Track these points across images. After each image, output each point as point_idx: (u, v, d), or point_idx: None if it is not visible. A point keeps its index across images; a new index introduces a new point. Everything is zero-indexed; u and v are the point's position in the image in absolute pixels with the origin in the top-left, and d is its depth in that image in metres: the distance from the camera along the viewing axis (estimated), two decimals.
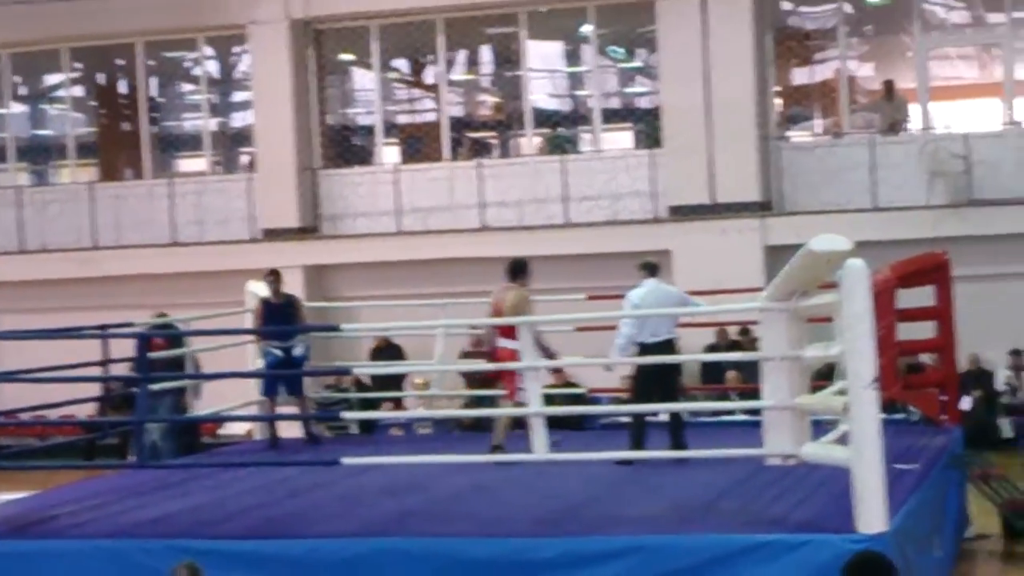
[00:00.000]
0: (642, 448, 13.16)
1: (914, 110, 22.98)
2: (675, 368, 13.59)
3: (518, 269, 14.17)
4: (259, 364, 16.23)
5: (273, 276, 16.21)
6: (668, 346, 13.57)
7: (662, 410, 13.57)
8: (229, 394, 17.81)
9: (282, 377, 15.87)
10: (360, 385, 21.19)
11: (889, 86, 23.17)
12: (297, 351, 16.01)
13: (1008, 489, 14.30)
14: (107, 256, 24.89)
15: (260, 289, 17.17)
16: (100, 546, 11.02)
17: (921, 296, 15.48)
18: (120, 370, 15.68)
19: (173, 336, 17.22)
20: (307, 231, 24.23)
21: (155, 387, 14.64)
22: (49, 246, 25.64)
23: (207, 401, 17.90)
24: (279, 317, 15.85)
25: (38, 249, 25.67)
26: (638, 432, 13.41)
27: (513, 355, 13.37)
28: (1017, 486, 14.36)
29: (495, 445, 13.70)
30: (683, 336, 19.20)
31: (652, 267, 13.87)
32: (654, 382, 13.37)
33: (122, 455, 19.22)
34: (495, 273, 22.31)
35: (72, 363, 14.19)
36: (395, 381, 21.44)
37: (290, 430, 16.84)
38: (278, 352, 15.93)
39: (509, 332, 13.45)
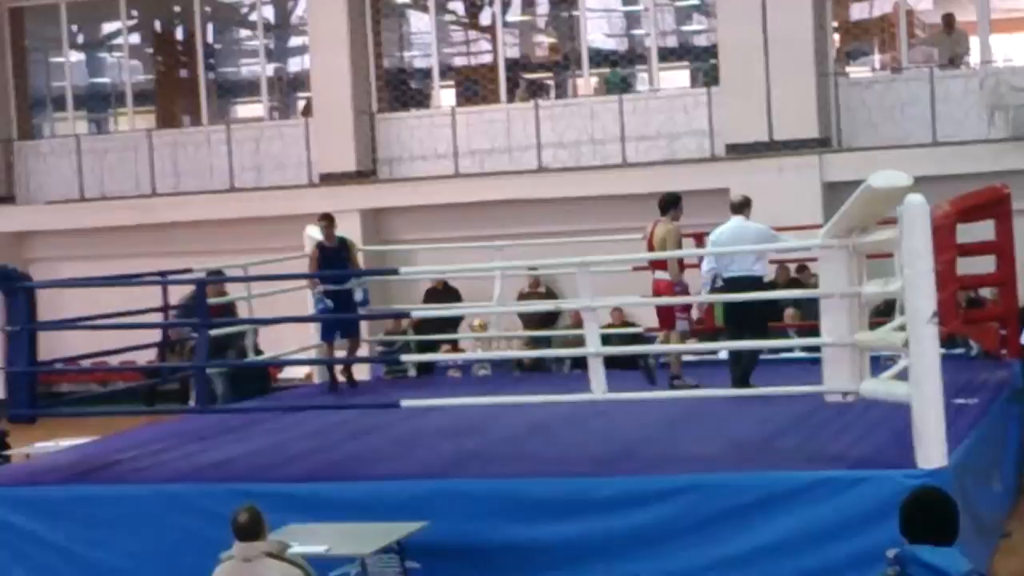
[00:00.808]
0: (746, 383, 13.08)
1: (974, 43, 22.67)
2: (754, 305, 13.45)
3: (668, 203, 14.48)
4: (315, 309, 16.28)
5: (326, 220, 16.24)
6: (748, 282, 13.49)
7: (733, 348, 13.62)
8: (288, 338, 17.92)
9: (339, 320, 15.89)
10: (418, 328, 21.21)
11: (949, 19, 22.87)
12: (357, 295, 16.04)
13: None
14: (165, 203, 24.99)
15: (318, 233, 17.22)
16: (161, 490, 11.14)
17: (982, 230, 15.36)
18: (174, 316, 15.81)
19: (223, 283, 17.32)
20: (364, 175, 24.22)
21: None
22: (108, 194, 25.76)
23: (268, 346, 18.02)
24: (333, 261, 15.89)
25: (97, 197, 25.80)
26: (738, 366, 13.37)
27: (670, 287, 13.60)
28: None
29: (674, 376, 13.79)
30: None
31: (737, 205, 14.07)
32: (734, 317, 13.54)
33: (183, 400, 19.36)
34: (552, 214, 22.45)
35: (132, 310, 14.30)
36: (453, 324, 21.46)
37: (359, 372, 16.91)
38: (330, 298, 15.91)
39: (663, 265, 13.77)
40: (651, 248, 14.23)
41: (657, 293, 14.25)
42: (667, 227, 14.19)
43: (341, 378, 16.38)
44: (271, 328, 18.32)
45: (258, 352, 18.10)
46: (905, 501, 5.32)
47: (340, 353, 16.39)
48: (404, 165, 24.36)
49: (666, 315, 14.19)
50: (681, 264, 14.30)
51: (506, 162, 23.66)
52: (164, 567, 10.89)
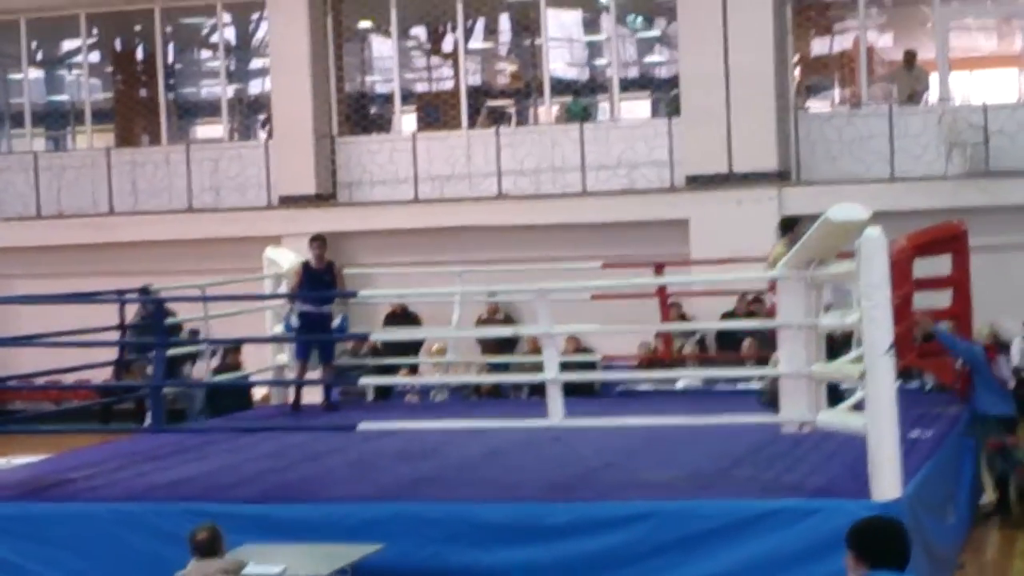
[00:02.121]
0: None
1: (933, 81, 22.87)
2: None
3: (786, 225, 14.39)
4: (279, 330, 16.21)
5: (318, 242, 16.16)
6: None
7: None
8: (247, 360, 17.89)
9: (314, 342, 15.78)
10: (376, 352, 21.19)
11: (910, 56, 23.07)
12: (337, 320, 16.02)
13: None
14: (123, 222, 24.90)
15: (278, 255, 17.19)
16: (115, 509, 11.07)
17: (938, 265, 15.48)
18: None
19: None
20: (324, 198, 24.21)
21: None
22: (65, 211, 25.66)
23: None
24: (320, 284, 15.83)
25: (54, 215, 25.69)
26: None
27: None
28: None
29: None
30: (700, 303, 19.29)
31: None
32: None
33: (138, 420, 19.27)
34: (511, 241, 22.48)
35: (87, 328, 14.23)
36: (411, 348, 21.44)
37: (310, 395, 16.86)
38: (305, 320, 15.80)
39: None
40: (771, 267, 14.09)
41: (771, 315, 14.03)
42: (776, 247, 14.08)
43: (316, 400, 16.32)
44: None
45: (233, 369, 18.06)
46: (860, 527, 5.33)
47: (313, 375, 16.32)
48: (364, 189, 24.35)
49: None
50: None
51: (466, 188, 23.70)
52: None
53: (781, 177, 21.99)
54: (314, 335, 15.60)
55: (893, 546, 5.19)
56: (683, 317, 19.83)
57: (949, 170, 21.46)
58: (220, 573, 8.69)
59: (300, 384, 16.24)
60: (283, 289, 16.56)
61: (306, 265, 16.01)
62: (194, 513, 10.33)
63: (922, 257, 14.78)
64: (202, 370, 17.43)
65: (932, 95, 22.79)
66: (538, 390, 14.22)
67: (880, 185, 21.33)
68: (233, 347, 18.10)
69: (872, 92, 23.34)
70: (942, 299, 15.59)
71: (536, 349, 19.83)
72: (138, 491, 11.59)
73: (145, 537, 10.78)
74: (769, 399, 13.24)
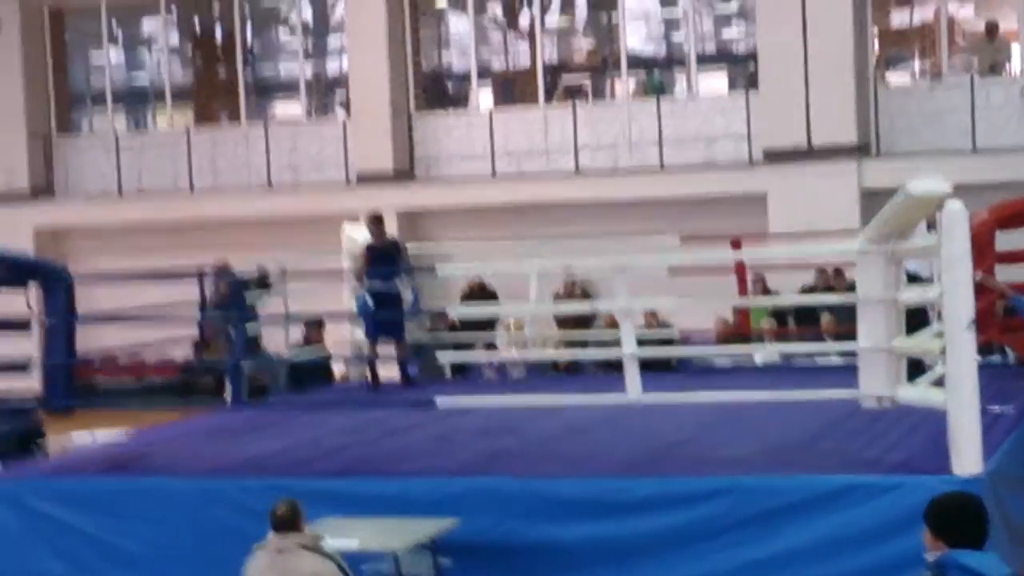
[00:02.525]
0: None
1: (1015, 51, 22.60)
2: None
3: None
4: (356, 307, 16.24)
5: (377, 221, 16.19)
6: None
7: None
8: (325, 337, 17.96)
9: (385, 320, 15.83)
10: (453, 328, 21.22)
11: (991, 27, 22.80)
12: (408, 297, 16.00)
13: None
14: (203, 200, 25.11)
15: (356, 232, 17.23)
16: (197, 484, 11.16)
17: (1020, 239, 15.30)
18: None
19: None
20: (401, 175, 24.27)
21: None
22: (146, 190, 25.90)
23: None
24: (383, 261, 15.85)
25: (135, 193, 25.93)
26: None
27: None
28: None
29: None
30: (778, 278, 19.17)
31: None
32: None
33: (218, 396, 19.43)
34: (589, 216, 22.45)
35: (167, 305, 14.36)
36: (489, 325, 21.46)
37: (388, 374, 16.92)
38: (376, 299, 15.81)
39: None
40: None
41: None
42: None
43: (393, 379, 16.38)
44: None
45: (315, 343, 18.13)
46: (937, 504, 5.29)
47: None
48: (441, 165, 24.40)
49: None
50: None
51: (543, 164, 23.69)
52: (198, 560, 10.91)
53: (860, 151, 21.82)
54: (387, 314, 15.63)
55: (971, 523, 5.14)
56: (767, 291, 19.71)
57: None
58: (298, 547, 8.74)
59: (374, 361, 16.27)
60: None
61: (370, 247, 16.01)
62: (274, 488, 10.38)
63: (1004, 230, 14.62)
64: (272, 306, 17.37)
65: (1014, 66, 22.53)
66: (614, 366, 14.17)
67: (961, 158, 21.13)
68: (315, 323, 18.16)
69: (953, 64, 23.10)
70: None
71: (613, 324, 19.83)
72: (219, 467, 11.68)
73: (226, 512, 10.87)
74: None
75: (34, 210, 26.19)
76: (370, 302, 15.45)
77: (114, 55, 28.24)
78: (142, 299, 15.42)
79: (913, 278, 13.13)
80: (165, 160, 25.92)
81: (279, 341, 17.67)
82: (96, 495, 11.32)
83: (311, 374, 18.53)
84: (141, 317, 14.45)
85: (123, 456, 12.44)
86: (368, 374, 16.63)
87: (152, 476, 11.50)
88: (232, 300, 13.87)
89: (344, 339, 17.07)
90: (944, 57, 22.93)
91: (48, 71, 27.00)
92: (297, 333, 18.08)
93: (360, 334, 16.69)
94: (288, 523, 8.78)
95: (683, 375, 16.91)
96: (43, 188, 26.63)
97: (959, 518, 5.18)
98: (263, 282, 17.19)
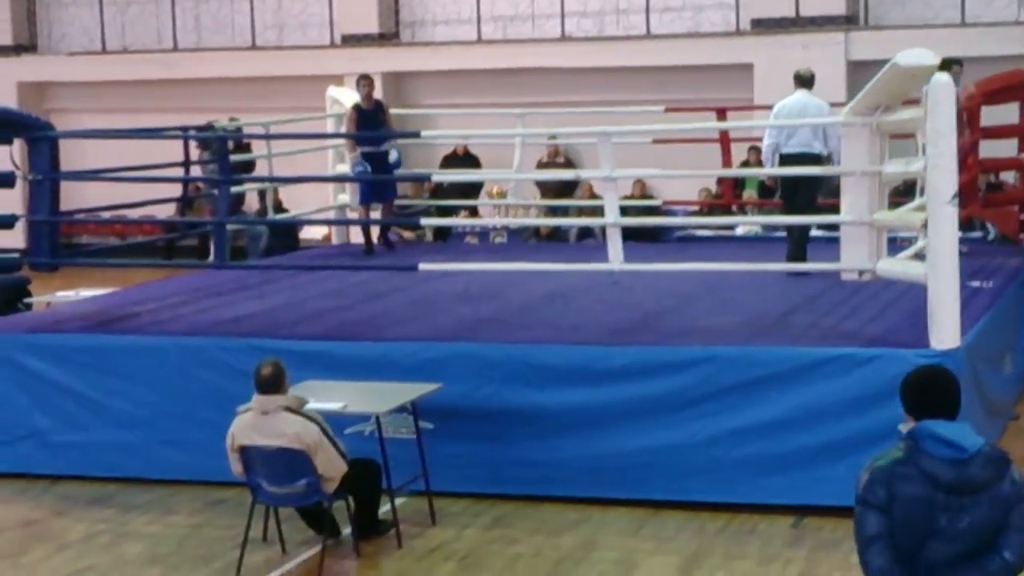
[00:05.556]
0: (803, 257, 13.11)
1: None
2: (808, 181, 13.24)
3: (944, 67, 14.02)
4: (344, 169, 16.18)
5: (366, 81, 16.07)
6: (806, 159, 13.24)
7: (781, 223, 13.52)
8: (307, 199, 17.97)
9: (376, 184, 15.76)
10: (435, 193, 21.25)
11: None
12: (392, 156, 15.93)
13: None
14: (186, 59, 24.92)
15: (341, 94, 17.16)
16: (181, 343, 11.23)
17: (1007, 113, 15.30)
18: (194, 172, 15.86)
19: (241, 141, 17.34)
20: (386, 37, 24.10)
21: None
22: (130, 47, 25.70)
23: (287, 205, 18.02)
24: (371, 123, 15.78)
25: (119, 50, 25.74)
26: (794, 242, 13.34)
27: None
28: None
29: None
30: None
31: (802, 79, 13.76)
32: (787, 192, 13.51)
33: (202, 256, 19.46)
34: (574, 84, 22.35)
35: (152, 164, 14.32)
36: (472, 190, 21.47)
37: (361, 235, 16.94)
38: (366, 161, 15.75)
39: None
40: None
41: None
42: None
43: (377, 241, 16.38)
44: (290, 188, 18.36)
45: (282, 210, 18.10)
46: (909, 378, 5.36)
47: (376, 216, 16.33)
48: (427, 29, 24.22)
49: None
50: None
51: (529, 29, 23.52)
52: (181, 417, 11.02)
53: (849, 21, 21.69)
54: (378, 175, 15.58)
55: (943, 395, 5.20)
56: (760, 163, 19.71)
57: (1021, 15, 21.11)
58: (282, 408, 8.83)
59: (367, 224, 16.26)
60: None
61: (357, 107, 15.92)
62: (258, 349, 10.49)
63: (990, 105, 14.61)
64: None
65: None
66: (591, 234, 14.22)
67: (950, 30, 21.00)
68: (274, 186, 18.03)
69: None
70: (1009, 148, 15.42)
71: (593, 194, 19.86)
72: (203, 326, 11.74)
73: (210, 371, 10.96)
74: None
75: (17, 64, 26.02)
76: (368, 168, 15.38)
77: None
78: (125, 158, 15.39)
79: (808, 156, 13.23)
80: (149, 17, 25.69)
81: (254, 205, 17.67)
82: (81, 351, 11.38)
83: (281, 238, 18.59)
84: (126, 175, 14.40)
85: (109, 314, 12.49)
86: (351, 238, 16.63)
87: (136, 334, 11.56)
88: (217, 160, 13.79)
89: (326, 202, 17.03)
90: None
91: None
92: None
93: (345, 197, 16.67)
94: (272, 384, 8.86)
95: (665, 245, 16.99)
96: (26, 43, 26.41)
97: (931, 391, 5.25)
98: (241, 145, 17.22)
